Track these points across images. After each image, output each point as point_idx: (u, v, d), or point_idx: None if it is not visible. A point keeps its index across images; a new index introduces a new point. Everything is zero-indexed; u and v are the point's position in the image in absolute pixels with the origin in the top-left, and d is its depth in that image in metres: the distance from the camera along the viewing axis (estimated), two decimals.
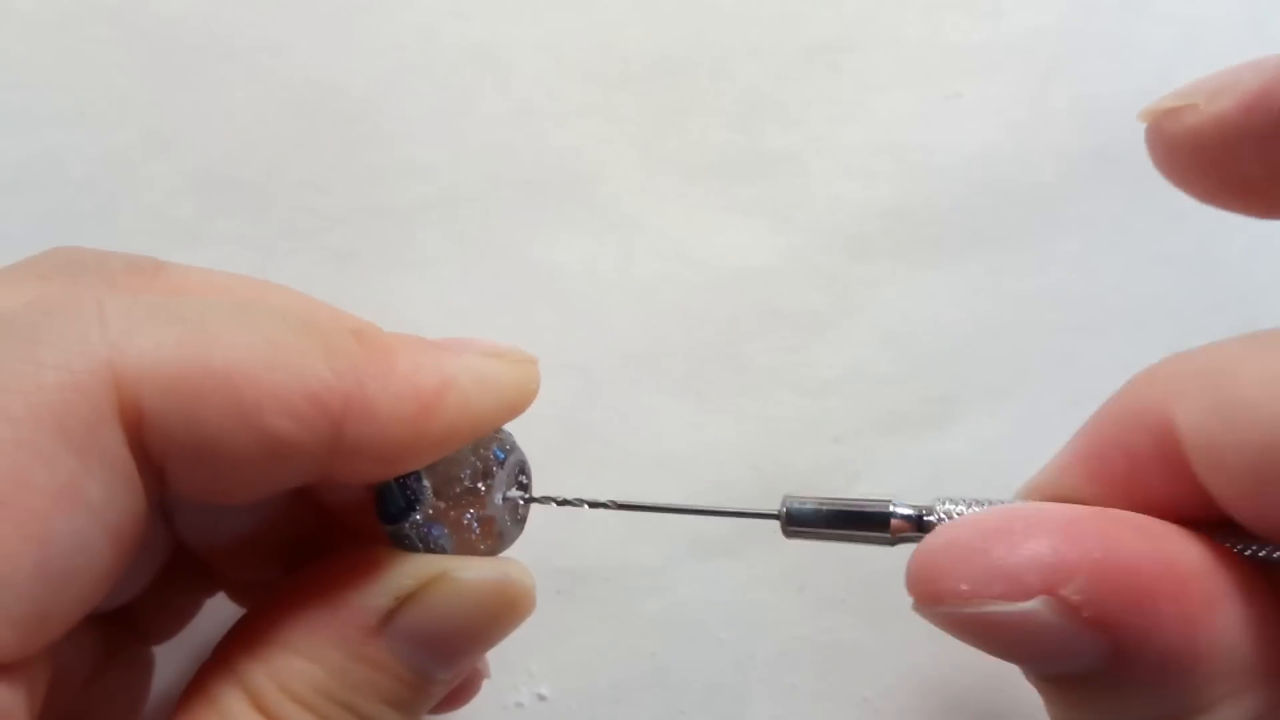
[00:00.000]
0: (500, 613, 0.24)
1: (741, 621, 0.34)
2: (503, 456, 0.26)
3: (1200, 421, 0.20)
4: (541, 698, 0.34)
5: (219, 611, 0.31)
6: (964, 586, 0.21)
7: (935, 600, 0.21)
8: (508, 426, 0.26)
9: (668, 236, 0.37)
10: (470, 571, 0.24)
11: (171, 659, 0.31)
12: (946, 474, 0.35)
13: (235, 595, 0.30)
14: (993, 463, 0.35)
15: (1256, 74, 0.21)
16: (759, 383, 0.36)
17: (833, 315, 0.36)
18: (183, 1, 0.37)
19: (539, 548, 0.34)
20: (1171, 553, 0.20)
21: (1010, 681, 0.34)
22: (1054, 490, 0.23)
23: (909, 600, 0.34)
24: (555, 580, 0.34)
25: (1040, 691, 0.22)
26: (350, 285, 0.36)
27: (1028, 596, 0.20)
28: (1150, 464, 0.21)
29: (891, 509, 0.24)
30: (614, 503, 0.28)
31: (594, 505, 0.28)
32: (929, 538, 0.22)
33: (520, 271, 0.36)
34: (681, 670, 0.34)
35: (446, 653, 0.24)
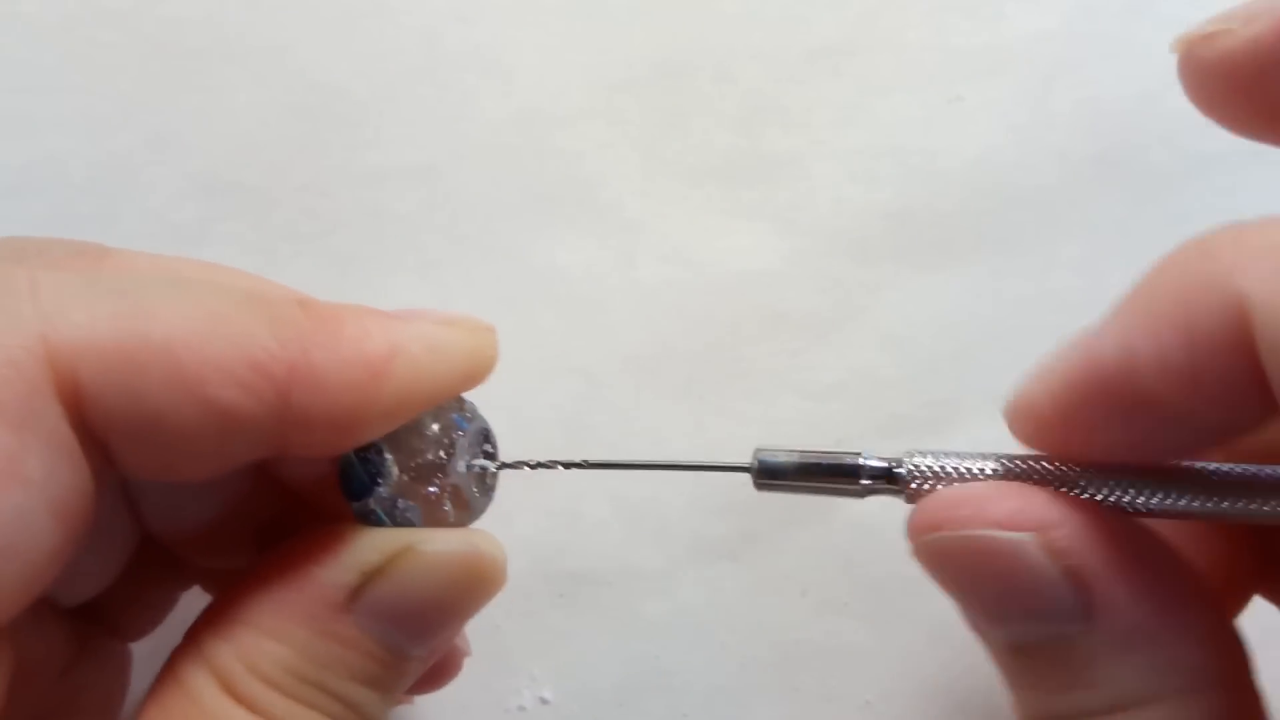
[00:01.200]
0: (470, 584, 0.24)
1: (744, 624, 0.34)
2: (465, 425, 0.25)
3: (1278, 301, 0.18)
4: (544, 701, 0.34)
5: (197, 607, 0.31)
6: (965, 512, 0.22)
7: (934, 527, 0.22)
8: (470, 397, 0.26)
9: (670, 240, 0.37)
10: (436, 544, 0.23)
11: (154, 658, 0.30)
12: None
13: (209, 587, 0.30)
14: None
15: None
16: (761, 386, 0.36)
17: (835, 318, 0.36)
18: (185, 5, 0.37)
19: (541, 551, 0.34)
20: (1154, 541, 0.22)
21: None
22: (1106, 363, 0.21)
23: (911, 604, 0.34)
24: (557, 584, 0.34)
25: (1008, 675, 0.23)
26: (352, 288, 0.36)
27: (1022, 529, 0.21)
28: (1214, 350, 0.19)
29: (861, 461, 0.24)
30: (586, 462, 0.27)
31: (563, 466, 0.27)
32: (931, 495, 0.23)
33: (522, 275, 0.36)
34: (684, 673, 0.34)
35: (417, 627, 0.24)
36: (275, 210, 0.36)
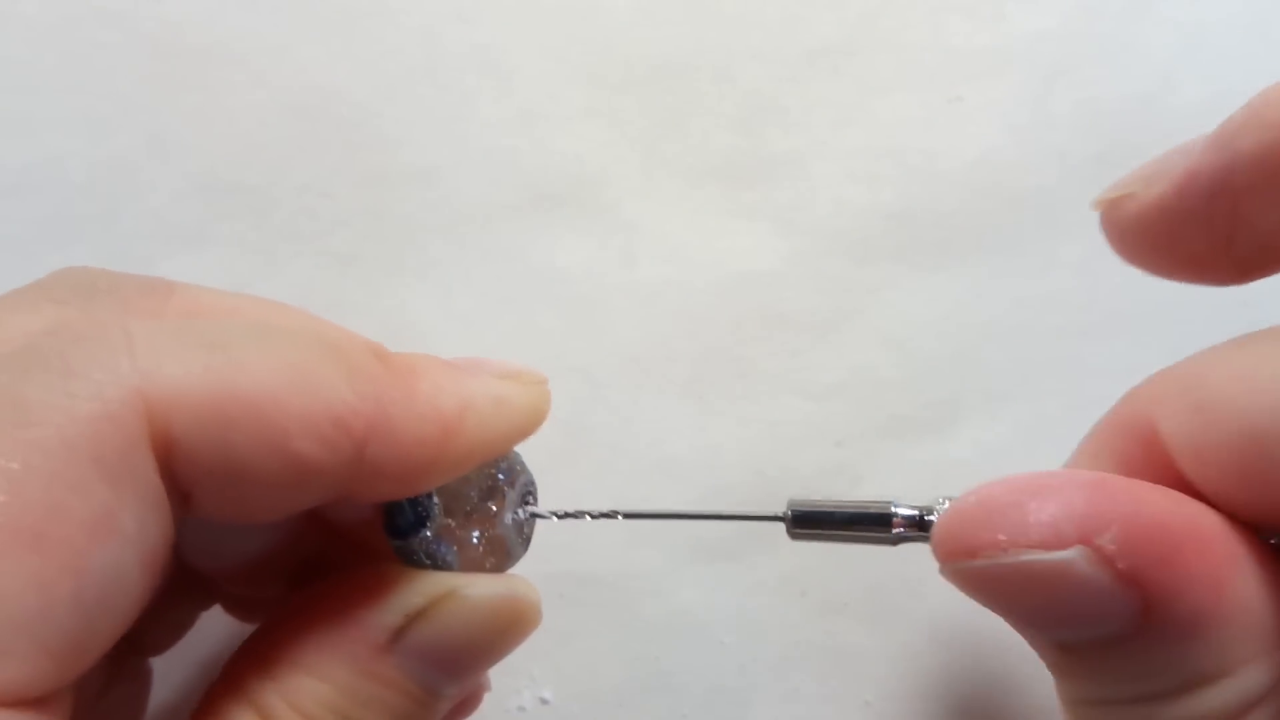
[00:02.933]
0: (508, 628, 0.25)
1: (744, 625, 0.34)
2: (510, 477, 0.26)
3: (1180, 424, 0.21)
4: (544, 702, 0.34)
5: (213, 622, 0.32)
6: (1001, 537, 0.21)
7: (969, 554, 0.21)
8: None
9: (670, 240, 0.37)
10: (479, 589, 0.24)
11: (162, 669, 0.31)
12: (949, 478, 0.35)
13: (232, 609, 0.30)
14: (995, 467, 0.35)
15: (1185, 158, 0.23)
16: (761, 386, 0.36)
17: (835, 319, 0.36)
18: (185, 5, 0.37)
19: (541, 552, 0.34)
20: (1195, 513, 0.21)
21: (1011, 685, 0.34)
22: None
23: (911, 604, 0.34)
24: (557, 584, 0.34)
25: (1056, 667, 0.22)
26: (352, 289, 0.36)
27: (1064, 546, 0.20)
28: (1142, 470, 0.22)
29: (893, 509, 0.25)
30: (619, 513, 0.28)
31: (600, 516, 0.28)
32: (958, 500, 0.22)
33: (522, 275, 0.36)
34: (684, 674, 0.34)
35: (455, 668, 0.24)
36: (275, 211, 0.36)
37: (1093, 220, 0.37)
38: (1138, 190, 0.24)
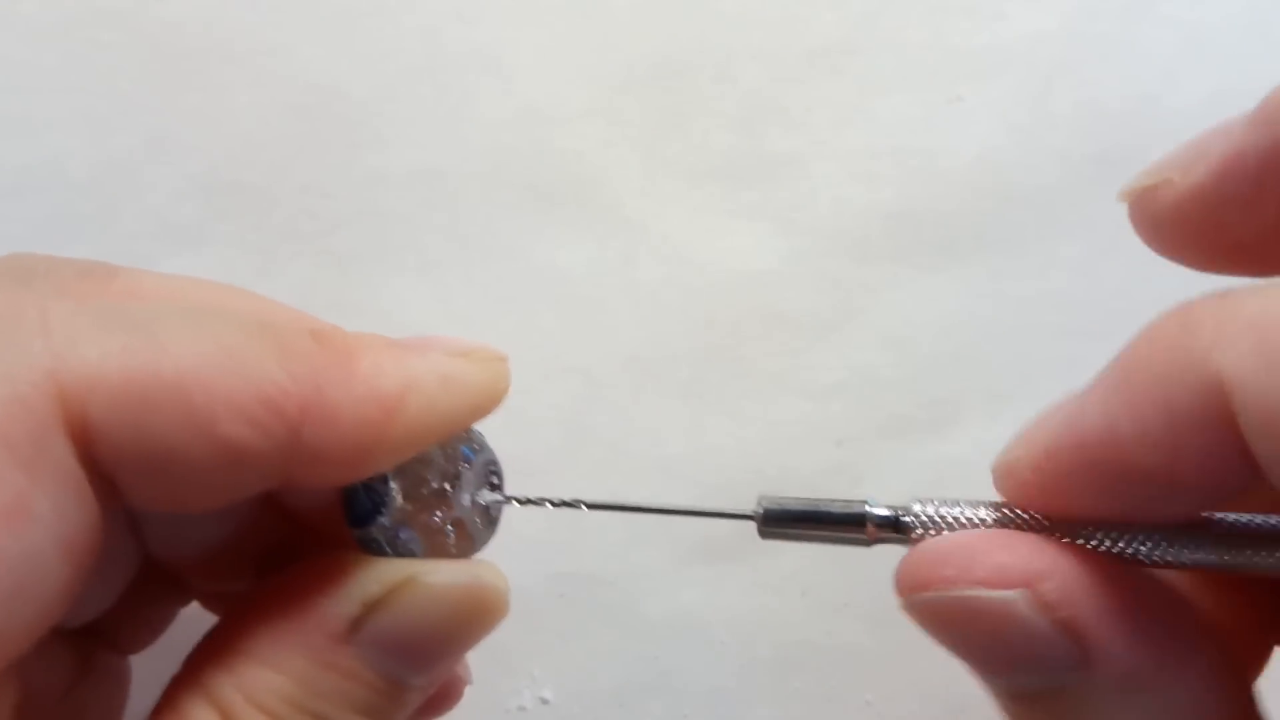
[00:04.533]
0: (472, 616, 0.24)
1: (744, 625, 0.34)
2: (472, 457, 0.25)
3: (1259, 380, 0.18)
4: (544, 701, 0.34)
5: (196, 620, 0.31)
6: (950, 571, 0.21)
7: (921, 586, 0.22)
8: (480, 425, 0.25)
9: (670, 240, 0.37)
10: (439, 575, 0.23)
11: (149, 668, 0.30)
12: (949, 477, 0.35)
13: (209, 604, 0.30)
14: None
15: (1225, 140, 0.21)
16: (761, 386, 0.36)
17: (835, 319, 0.36)
18: (185, 5, 0.37)
19: (541, 551, 0.34)
20: (1151, 581, 0.21)
21: None
22: (1088, 433, 0.21)
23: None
24: (558, 584, 0.34)
25: (1010, 716, 0.23)
26: (352, 288, 0.36)
27: (1007, 586, 0.20)
28: (1194, 426, 0.19)
29: (866, 509, 0.24)
30: (582, 502, 0.27)
31: (561, 505, 0.27)
32: (916, 547, 0.22)
33: (523, 275, 0.36)
34: (684, 674, 0.34)
35: (418, 658, 0.23)
36: (275, 210, 0.36)
37: (1093, 220, 0.37)
38: (1173, 177, 0.22)
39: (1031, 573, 0.21)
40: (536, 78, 0.37)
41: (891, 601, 0.34)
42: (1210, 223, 0.22)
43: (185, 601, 0.30)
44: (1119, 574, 0.21)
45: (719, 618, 0.34)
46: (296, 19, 0.37)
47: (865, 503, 0.24)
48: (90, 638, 0.27)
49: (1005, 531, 0.22)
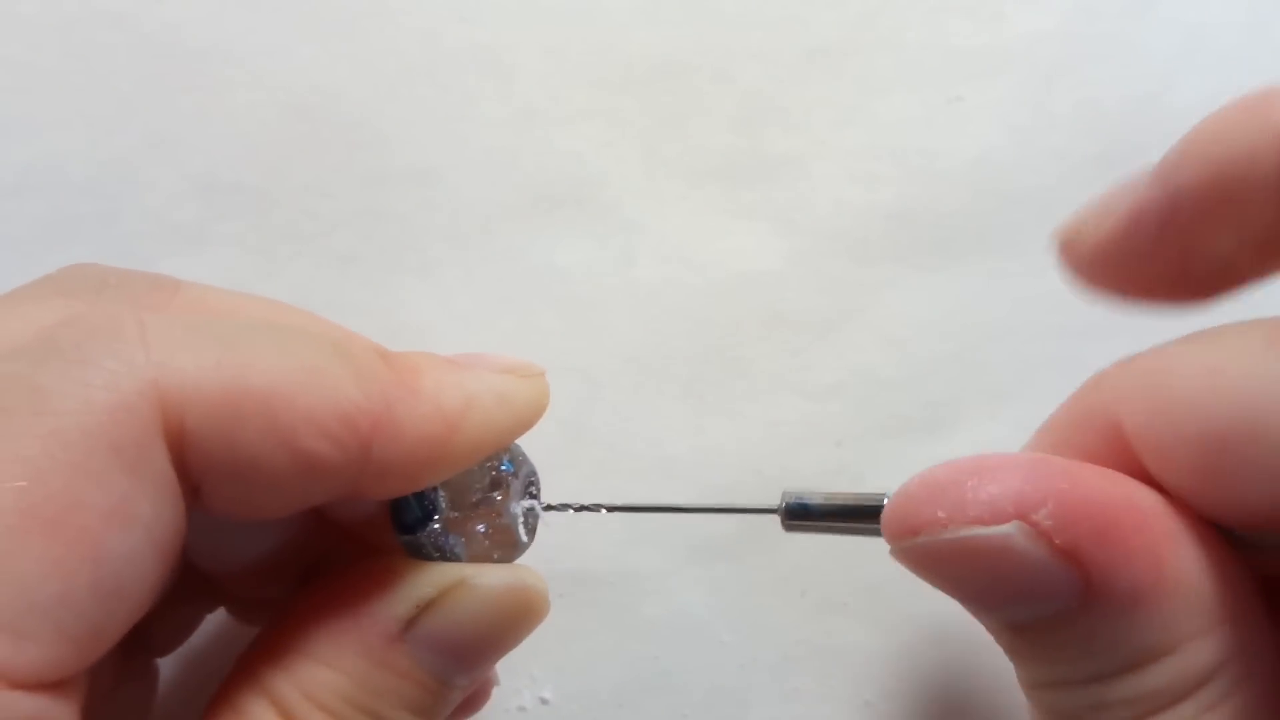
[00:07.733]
0: (517, 617, 0.25)
1: (744, 625, 0.34)
2: (513, 468, 0.27)
3: (1145, 421, 0.22)
4: (544, 701, 0.34)
5: (217, 625, 0.32)
6: (940, 514, 0.21)
7: (912, 532, 0.22)
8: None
9: (670, 240, 0.37)
10: (488, 578, 0.25)
11: (166, 671, 0.31)
12: None
13: (236, 611, 0.31)
14: None
15: (1130, 195, 0.23)
16: (761, 386, 0.36)
17: (835, 319, 0.36)
18: (185, 6, 0.37)
19: (541, 551, 0.34)
20: (1132, 491, 0.21)
21: (1011, 684, 0.34)
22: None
23: (911, 604, 0.34)
24: (557, 584, 0.34)
25: (1011, 650, 0.23)
26: (352, 289, 0.36)
27: (1001, 521, 0.21)
28: (1105, 463, 0.22)
29: (886, 502, 0.24)
30: (622, 506, 0.28)
31: (610, 510, 0.28)
32: (904, 484, 0.23)
33: (522, 275, 0.36)
34: (684, 674, 0.34)
35: (466, 658, 0.24)
36: (275, 211, 0.36)
37: None
38: (1090, 226, 0.24)
39: (1024, 502, 0.21)
40: (536, 78, 0.37)
41: (892, 601, 0.34)
42: (1120, 268, 0.24)
43: (214, 607, 0.31)
44: (1109, 485, 0.21)
45: (719, 618, 0.34)
46: (296, 19, 0.37)
47: (885, 495, 0.25)
48: (130, 638, 0.28)
49: (992, 457, 0.22)
